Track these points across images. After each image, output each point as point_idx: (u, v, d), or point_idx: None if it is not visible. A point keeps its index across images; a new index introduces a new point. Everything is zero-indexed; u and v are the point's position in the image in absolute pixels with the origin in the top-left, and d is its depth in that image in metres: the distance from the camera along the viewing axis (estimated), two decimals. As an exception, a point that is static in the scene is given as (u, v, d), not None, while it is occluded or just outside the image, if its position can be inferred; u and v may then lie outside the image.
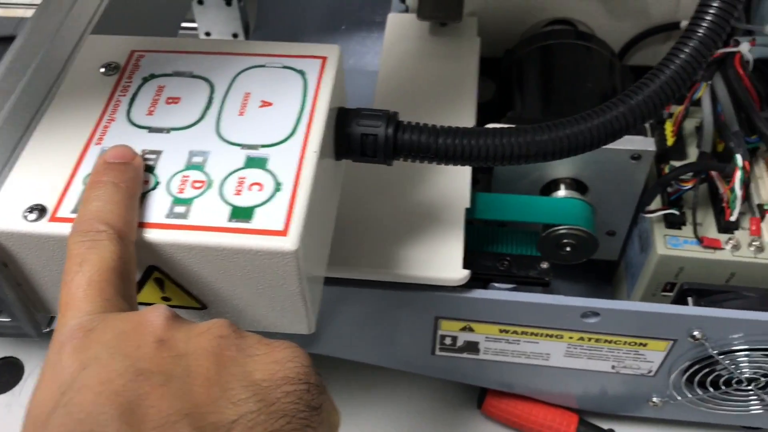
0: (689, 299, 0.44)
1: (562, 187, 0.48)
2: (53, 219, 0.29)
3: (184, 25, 0.68)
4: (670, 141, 0.49)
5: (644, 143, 0.45)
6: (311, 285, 0.32)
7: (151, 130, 0.32)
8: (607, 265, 0.56)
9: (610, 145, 0.45)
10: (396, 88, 0.51)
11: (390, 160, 0.36)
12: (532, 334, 0.45)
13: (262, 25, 0.69)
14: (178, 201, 0.30)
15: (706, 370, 0.45)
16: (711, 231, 0.46)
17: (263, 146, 0.31)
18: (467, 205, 0.44)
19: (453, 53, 0.54)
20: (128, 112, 0.33)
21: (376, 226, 0.43)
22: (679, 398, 0.48)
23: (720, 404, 0.48)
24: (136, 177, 0.30)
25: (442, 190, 0.44)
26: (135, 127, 0.33)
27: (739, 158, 0.44)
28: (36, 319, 0.34)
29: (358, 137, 0.35)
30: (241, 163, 0.31)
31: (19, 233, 0.29)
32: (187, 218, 0.29)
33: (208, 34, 0.67)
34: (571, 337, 0.45)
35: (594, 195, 0.48)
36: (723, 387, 0.46)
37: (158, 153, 0.31)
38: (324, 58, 0.35)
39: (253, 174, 0.30)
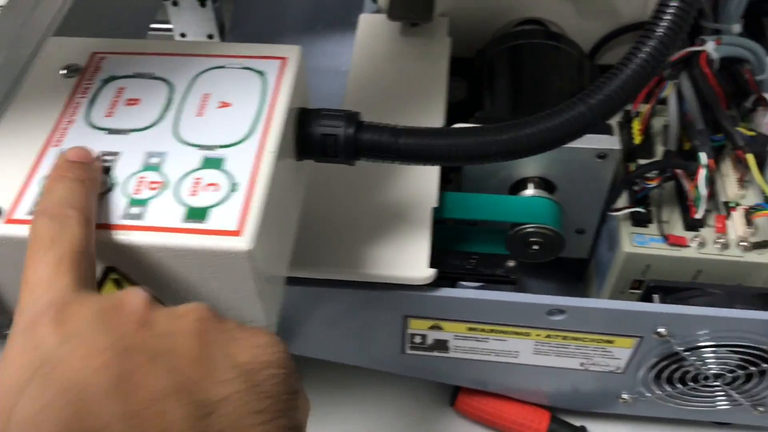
0: (655, 296, 0.45)
1: (531, 186, 0.48)
2: (9, 221, 0.29)
3: (159, 26, 0.68)
4: (637, 139, 0.49)
5: (609, 142, 0.46)
6: (270, 285, 0.32)
7: (110, 131, 0.33)
8: (579, 262, 0.57)
9: (576, 144, 0.45)
10: (366, 89, 0.52)
11: (352, 161, 0.36)
12: (500, 332, 0.45)
13: (238, 25, 0.69)
14: (134, 202, 0.30)
15: (674, 366, 0.46)
16: (677, 229, 0.47)
17: (220, 147, 0.32)
18: (434, 204, 0.44)
19: (424, 53, 0.54)
20: (88, 113, 0.33)
21: (343, 226, 0.43)
22: (648, 395, 0.49)
23: (688, 400, 0.48)
24: (95, 177, 0.30)
25: (410, 190, 0.45)
26: (94, 129, 0.33)
27: (703, 157, 0.44)
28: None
29: (319, 138, 0.35)
30: (198, 164, 0.31)
31: (-26, 235, 0.29)
32: (142, 219, 0.29)
33: (183, 35, 0.68)
34: (538, 335, 0.45)
35: (562, 194, 0.49)
36: (690, 383, 0.47)
37: (116, 154, 0.32)
38: (284, 59, 0.35)
39: (210, 174, 0.31)
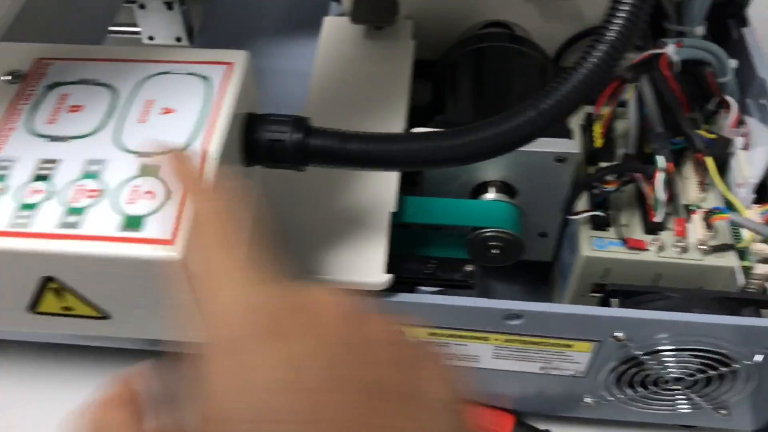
0: (614, 301, 0.45)
1: (492, 189, 0.48)
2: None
3: (127, 29, 0.67)
4: (598, 143, 0.49)
5: (568, 146, 0.46)
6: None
7: (51, 138, 0.32)
8: (546, 265, 0.57)
9: (535, 148, 0.45)
10: (328, 92, 0.51)
11: (301, 167, 0.36)
12: (459, 336, 0.45)
13: (208, 28, 0.69)
14: (71, 211, 0.29)
15: (634, 370, 0.46)
16: (637, 232, 0.47)
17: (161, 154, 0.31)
18: (393, 209, 0.44)
19: (387, 57, 0.54)
20: (29, 120, 0.33)
21: (299, 230, 0.43)
22: (610, 398, 0.49)
23: (650, 403, 0.48)
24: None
25: (368, 194, 0.44)
26: (35, 136, 0.32)
27: (660, 160, 0.44)
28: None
29: (266, 143, 0.35)
30: (137, 172, 0.31)
31: None
32: (78, 228, 0.29)
33: (151, 38, 0.67)
34: (497, 339, 0.45)
35: (523, 197, 0.49)
36: (652, 386, 0.47)
37: (56, 162, 0.31)
38: (231, 65, 0.35)
39: (149, 182, 0.30)
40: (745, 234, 0.45)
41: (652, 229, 0.46)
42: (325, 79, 0.52)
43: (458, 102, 0.51)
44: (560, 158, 0.46)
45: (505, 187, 0.48)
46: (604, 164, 0.49)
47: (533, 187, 0.48)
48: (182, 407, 0.22)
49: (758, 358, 0.43)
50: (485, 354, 0.46)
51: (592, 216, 0.46)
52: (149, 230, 0.28)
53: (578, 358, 0.45)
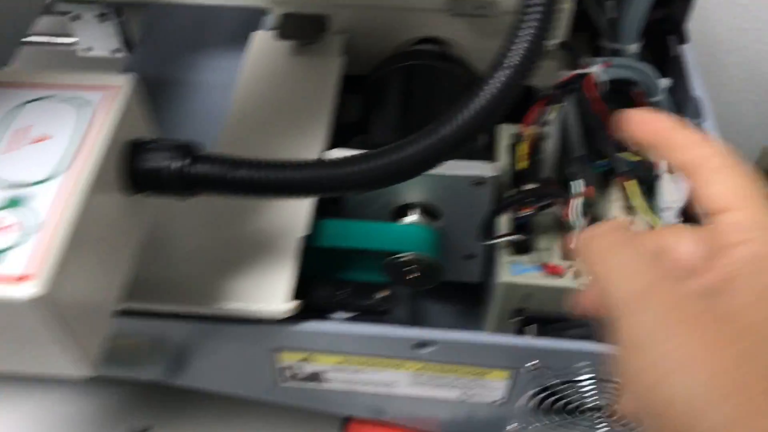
0: (531, 327, 0.44)
1: (413, 212, 0.47)
2: None
3: (64, 41, 0.66)
4: (520, 164, 0.48)
5: (485, 169, 0.45)
6: (82, 327, 0.30)
7: None
8: (479, 287, 0.56)
9: (451, 172, 0.44)
10: (249, 110, 0.50)
11: (186, 195, 0.35)
12: (373, 363, 0.44)
13: (148, 39, 0.68)
14: (-72, 245, 0.28)
15: (553, 397, 0.45)
16: (557, 257, 0.45)
17: (29, 184, 0.30)
18: (304, 232, 0.43)
19: (313, 73, 0.53)
20: None
21: (202, 257, 0.41)
22: (536, 424, 0.48)
23: (573, 430, 0.47)
24: None
25: (279, 218, 0.43)
26: None
27: (576, 186, 0.43)
28: None
29: (147, 172, 0.33)
30: (2, 203, 0.30)
31: None
32: (-71, 264, 0.28)
33: (89, 49, 0.66)
34: (412, 366, 0.44)
35: (447, 219, 0.48)
36: (574, 413, 0.46)
37: None
38: (115, 89, 0.34)
39: (13, 214, 0.29)
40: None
41: (570, 254, 0.45)
42: (247, 96, 0.51)
43: (381, 121, 0.50)
44: (477, 181, 0.45)
45: (427, 210, 0.47)
46: (529, 186, 0.48)
47: (455, 209, 0.47)
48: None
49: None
50: (402, 380, 0.45)
51: (513, 239, 0.45)
52: (9, 265, 0.27)
53: (496, 385, 0.44)
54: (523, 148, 0.48)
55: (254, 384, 0.47)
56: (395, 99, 0.51)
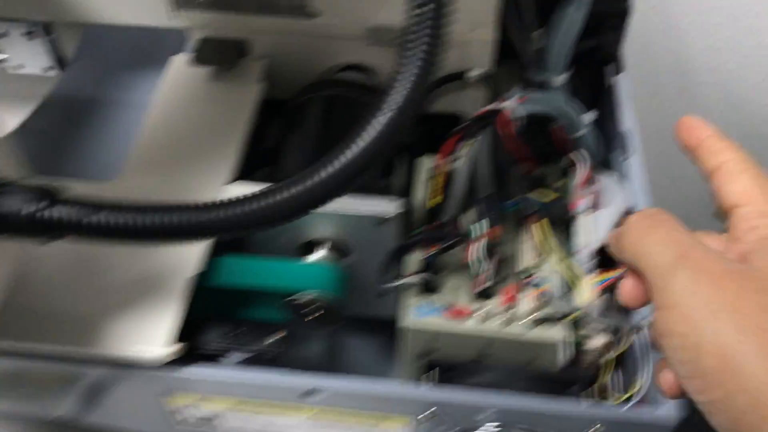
0: (434, 372, 0.42)
1: (320, 248, 0.46)
2: None
3: (-6, 57, 0.65)
4: (432, 201, 0.46)
5: (388, 207, 0.43)
6: None
7: None
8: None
9: (353, 209, 0.43)
10: (158, 135, 0.49)
11: (45, 239, 0.33)
12: (268, 407, 0.42)
13: (82, 56, 0.66)
14: None
15: (457, 446, 0.43)
16: (464, 298, 0.44)
17: None
18: (195, 271, 0.41)
19: (229, 99, 0.51)
20: None
21: (82, 296, 0.40)
22: (446, 470, 0.46)
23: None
24: None
25: (167, 255, 0.42)
26: None
27: (478, 228, 0.42)
28: None
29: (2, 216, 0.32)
30: None
31: None
32: None
33: (21, 66, 0.64)
34: (308, 411, 0.42)
35: (357, 256, 0.46)
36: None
37: None
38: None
39: None
40: (581, 302, 0.43)
41: (480, 295, 0.44)
42: (157, 122, 0.49)
43: (292, 152, 0.49)
44: (379, 221, 0.43)
45: (336, 246, 0.46)
46: (430, 225, 0.46)
47: (364, 246, 0.46)
48: None
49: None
50: (301, 425, 0.43)
51: (421, 278, 0.44)
52: None
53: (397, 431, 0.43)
54: (436, 183, 0.47)
55: (153, 425, 0.45)
56: (310, 128, 0.50)
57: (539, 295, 0.43)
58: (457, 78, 0.53)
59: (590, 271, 0.44)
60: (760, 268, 0.27)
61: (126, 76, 0.64)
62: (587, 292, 0.43)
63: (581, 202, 0.47)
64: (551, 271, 0.44)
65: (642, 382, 0.40)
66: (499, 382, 0.42)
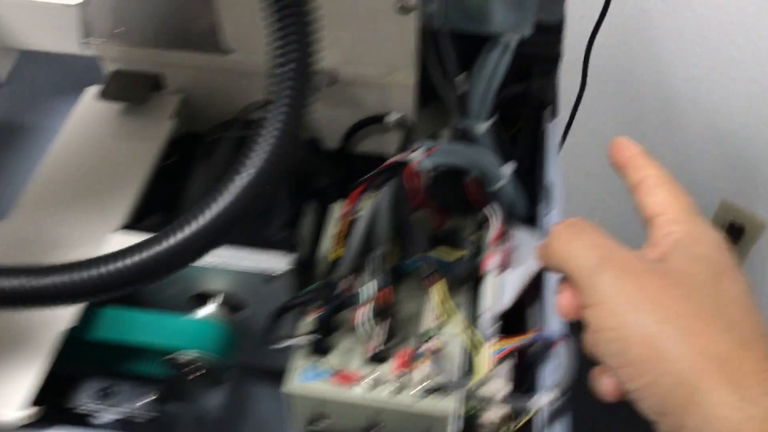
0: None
1: (211, 302, 0.43)
2: None
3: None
4: (335, 253, 0.44)
5: (277, 263, 0.41)
6: None
7: None
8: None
9: (241, 265, 0.41)
10: (58, 170, 0.47)
11: None
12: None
13: (15, 79, 0.64)
14: None
15: None
16: (356, 362, 0.41)
17: None
18: (66, 325, 0.39)
19: (139, 134, 0.49)
20: None
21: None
22: None
23: None
24: None
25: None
26: None
27: (366, 290, 0.39)
28: None
29: None
30: None
31: None
32: None
33: (-51, 87, 0.63)
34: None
35: (251, 310, 0.44)
36: None
37: None
38: None
39: None
40: (478, 371, 0.40)
41: (372, 359, 0.41)
42: (60, 156, 0.47)
43: (188, 197, 0.46)
44: (267, 278, 0.41)
45: (228, 300, 0.44)
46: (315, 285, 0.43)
47: (256, 300, 0.43)
48: None
49: None
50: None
51: (310, 339, 0.41)
52: None
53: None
54: (339, 235, 0.44)
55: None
56: (214, 169, 0.47)
57: (434, 361, 0.40)
58: (377, 121, 0.50)
59: (491, 337, 0.42)
60: (676, 265, 0.30)
61: (51, 102, 0.62)
62: (486, 360, 0.40)
63: (491, 261, 0.44)
64: (451, 336, 0.42)
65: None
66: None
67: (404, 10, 0.44)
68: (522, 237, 0.46)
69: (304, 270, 0.46)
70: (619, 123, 1.20)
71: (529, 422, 0.40)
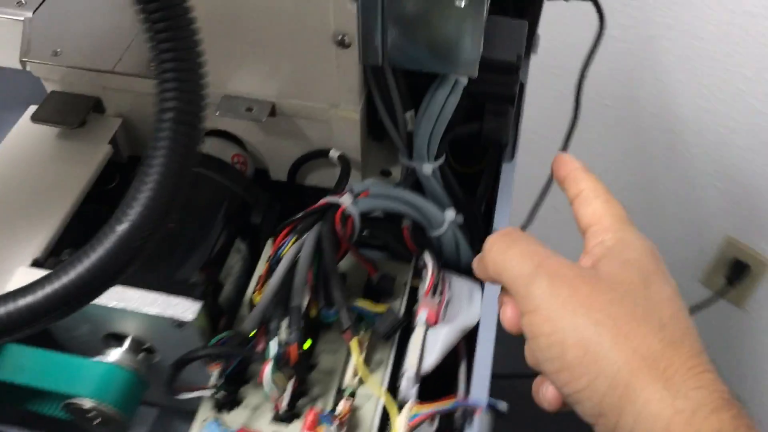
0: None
1: (120, 345, 0.41)
2: None
3: None
4: (258, 296, 0.41)
5: (183, 310, 0.39)
6: None
7: None
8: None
9: (150, 310, 0.39)
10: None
11: None
12: None
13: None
14: None
15: None
16: (266, 418, 0.39)
17: None
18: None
19: (74, 158, 0.47)
20: None
21: None
22: None
23: None
24: None
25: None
26: None
27: (273, 347, 0.37)
28: None
29: None
30: None
31: None
32: None
33: None
34: None
35: (162, 355, 0.42)
36: None
37: None
38: None
39: None
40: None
41: (284, 418, 0.39)
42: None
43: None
44: (177, 324, 0.38)
45: (140, 343, 0.41)
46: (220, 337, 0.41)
47: (167, 346, 0.41)
48: None
49: None
50: None
51: (214, 393, 0.39)
52: None
53: None
54: (261, 279, 0.42)
55: None
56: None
57: (344, 424, 0.38)
58: (323, 155, 0.48)
59: (409, 398, 0.39)
60: (607, 271, 0.31)
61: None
62: (402, 425, 0.38)
63: (419, 315, 0.42)
64: (366, 397, 0.39)
65: None
66: None
67: (342, 44, 0.41)
68: (461, 288, 0.44)
69: (230, 311, 0.44)
70: (622, 150, 1.16)
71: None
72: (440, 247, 0.46)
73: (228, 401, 0.39)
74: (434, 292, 0.42)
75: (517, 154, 0.51)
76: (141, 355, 0.41)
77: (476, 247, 0.47)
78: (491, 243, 0.33)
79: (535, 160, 0.83)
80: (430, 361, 0.40)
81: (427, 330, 0.41)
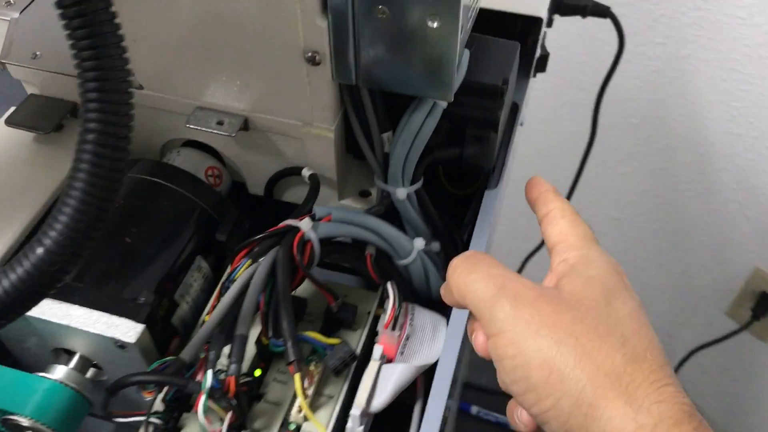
0: None
1: (66, 362, 0.40)
2: None
3: None
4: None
5: (125, 331, 0.37)
6: None
7: None
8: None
9: (93, 328, 0.38)
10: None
11: None
12: None
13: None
14: None
15: None
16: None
17: None
18: None
19: (48, 163, 0.46)
20: None
21: None
22: None
23: None
24: None
25: None
26: None
27: (209, 377, 0.35)
28: None
29: None
30: None
31: None
32: None
33: None
34: None
35: (108, 373, 0.40)
36: None
37: None
38: None
39: None
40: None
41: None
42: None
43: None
44: (119, 345, 0.37)
45: (86, 361, 0.40)
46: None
47: (113, 365, 0.40)
48: None
49: None
50: None
51: (152, 419, 0.37)
52: None
53: None
54: (213, 302, 0.41)
55: None
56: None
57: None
58: (295, 173, 0.46)
59: (358, 440, 0.37)
60: (569, 289, 0.31)
61: None
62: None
63: (376, 349, 0.40)
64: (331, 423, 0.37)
65: None
66: None
67: (313, 62, 0.40)
68: (424, 322, 0.41)
69: (185, 332, 0.43)
70: (647, 172, 1.12)
71: None
72: (409, 276, 0.44)
73: (166, 429, 0.38)
74: (394, 326, 0.40)
75: (504, 181, 0.49)
76: (90, 372, 0.40)
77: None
78: (453, 267, 0.33)
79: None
80: (381, 400, 0.38)
81: (380, 366, 0.39)
